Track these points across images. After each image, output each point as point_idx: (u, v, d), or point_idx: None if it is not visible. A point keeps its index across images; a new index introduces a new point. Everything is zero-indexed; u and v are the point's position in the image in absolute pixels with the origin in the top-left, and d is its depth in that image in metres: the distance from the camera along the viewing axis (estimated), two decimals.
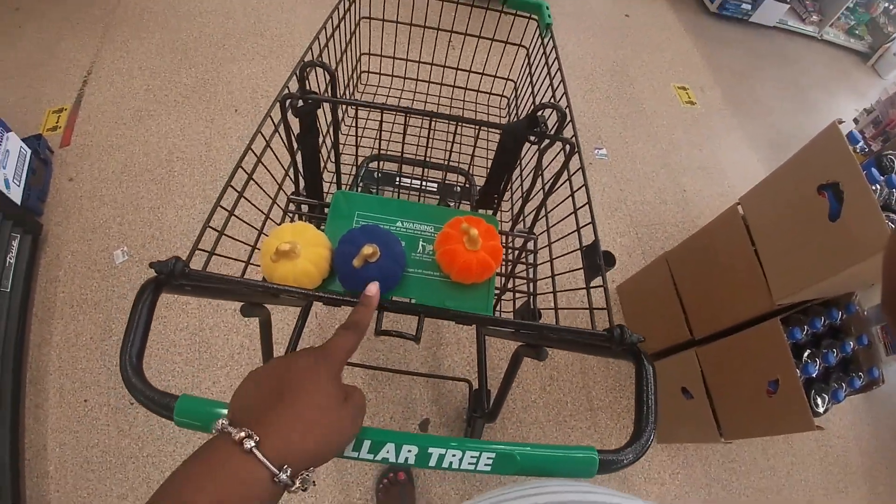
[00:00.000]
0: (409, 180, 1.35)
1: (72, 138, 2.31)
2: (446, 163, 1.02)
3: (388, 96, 1.46)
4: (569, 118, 0.85)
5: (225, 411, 0.47)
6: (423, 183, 1.30)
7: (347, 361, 0.52)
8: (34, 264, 1.91)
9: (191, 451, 0.40)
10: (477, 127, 0.85)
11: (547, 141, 0.86)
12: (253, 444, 0.39)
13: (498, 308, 0.93)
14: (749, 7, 3.92)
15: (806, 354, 1.37)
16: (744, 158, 2.93)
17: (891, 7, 4.14)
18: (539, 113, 0.82)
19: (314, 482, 0.43)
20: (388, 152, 1.19)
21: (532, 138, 0.88)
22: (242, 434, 0.40)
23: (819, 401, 1.31)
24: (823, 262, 1.21)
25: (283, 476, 0.40)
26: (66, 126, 2.35)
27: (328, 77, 0.83)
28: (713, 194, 2.67)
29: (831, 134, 1.24)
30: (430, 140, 0.96)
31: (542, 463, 0.51)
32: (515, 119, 1.41)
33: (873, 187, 1.15)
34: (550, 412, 1.88)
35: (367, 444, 0.51)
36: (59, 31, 2.79)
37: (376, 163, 1.43)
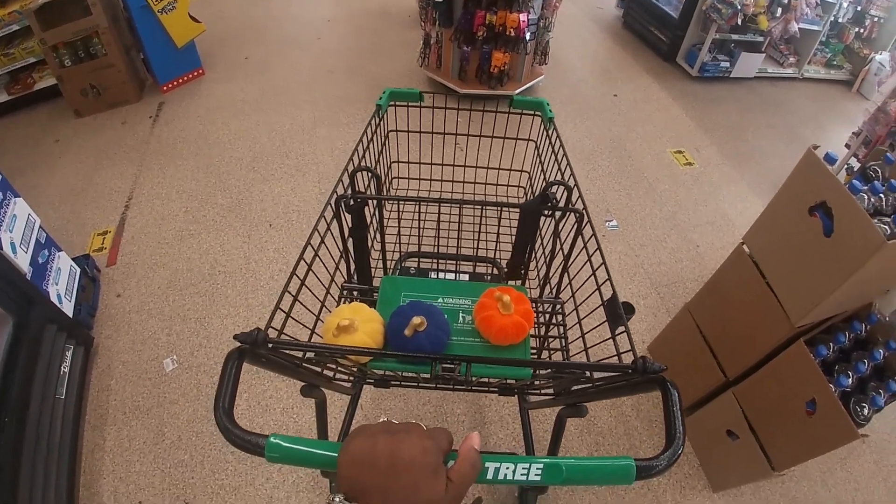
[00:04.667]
0: (443, 274, 1.41)
1: (118, 258, 2.51)
2: (475, 252, 1.12)
3: (418, 198, 1.59)
4: (576, 192, 0.98)
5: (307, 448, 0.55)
6: (457, 276, 1.38)
7: None
8: (87, 374, 2.02)
9: None
10: (499, 209, 0.98)
11: (559, 213, 0.98)
12: None
13: (537, 373, 0.99)
14: (728, 64, 4.15)
15: (836, 368, 1.39)
16: (749, 205, 3.03)
17: (861, 31, 4.28)
18: (550, 189, 0.95)
19: None
20: (423, 247, 1.30)
21: (546, 212, 1.00)
22: None
23: (860, 410, 1.32)
24: (828, 276, 1.27)
25: None
26: (111, 247, 2.57)
27: (369, 179, 0.97)
28: (726, 244, 2.74)
29: (809, 159, 1.35)
30: (461, 228, 1.07)
31: (585, 472, 0.56)
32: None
33: (858, 197, 1.22)
34: None
35: None
36: (96, 161, 3.09)
37: (412, 260, 1.50)
